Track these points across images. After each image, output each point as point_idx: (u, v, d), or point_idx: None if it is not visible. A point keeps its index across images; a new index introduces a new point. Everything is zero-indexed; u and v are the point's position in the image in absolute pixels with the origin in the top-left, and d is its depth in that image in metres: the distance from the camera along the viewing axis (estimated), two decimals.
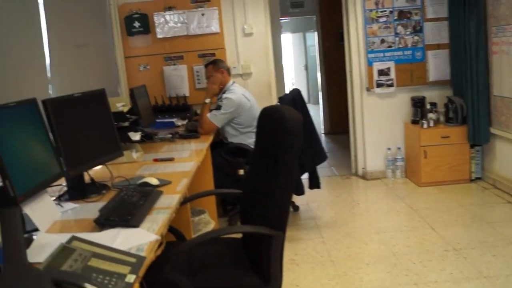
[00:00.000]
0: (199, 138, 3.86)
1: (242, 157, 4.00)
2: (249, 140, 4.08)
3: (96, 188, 2.46)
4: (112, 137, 2.65)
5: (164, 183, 2.49)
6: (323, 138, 8.24)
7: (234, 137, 4.10)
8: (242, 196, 2.53)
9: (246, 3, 4.93)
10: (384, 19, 5.02)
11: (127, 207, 2.07)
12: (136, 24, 4.86)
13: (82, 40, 3.74)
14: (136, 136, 3.21)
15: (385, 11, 5.00)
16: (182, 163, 2.97)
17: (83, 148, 2.40)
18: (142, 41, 4.94)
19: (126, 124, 3.31)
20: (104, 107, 2.64)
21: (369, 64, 5.09)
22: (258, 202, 2.21)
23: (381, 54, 5.07)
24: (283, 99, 3.99)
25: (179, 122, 4.60)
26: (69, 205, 2.27)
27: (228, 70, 4.28)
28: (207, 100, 4.05)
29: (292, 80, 13.46)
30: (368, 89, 5.15)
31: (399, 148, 5.26)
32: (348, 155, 5.75)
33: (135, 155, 3.17)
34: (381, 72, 5.10)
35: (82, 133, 2.41)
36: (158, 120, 4.59)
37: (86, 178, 2.49)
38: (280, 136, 1.98)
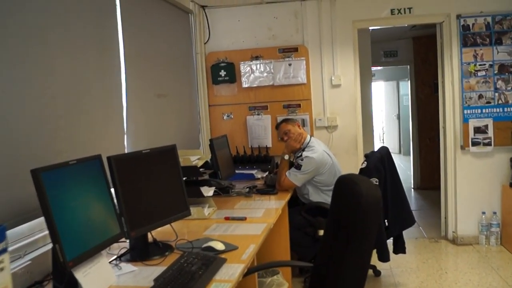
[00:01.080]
0: (276, 194, 3.67)
1: (323, 216, 3.74)
2: (330, 199, 3.81)
3: (159, 249, 2.32)
4: (181, 195, 2.52)
5: (230, 248, 2.30)
6: (412, 193, 7.73)
7: (314, 196, 3.85)
8: (313, 267, 2.29)
9: (335, 53, 4.75)
10: (483, 73, 4.60)
11: (184, 278, 1.90)
12: (222, 72, 4.83)
13: (163, 90, 3.73)
14: (209, 191, 3.08)
15: (484, 64, 4.59)
16: (254, 224, 2.78)
17: (148, 208, 2.29)
18: (227, 90, 4.90)
19: (201, 178, 3.20)
20: (174, 164, 2.53)
21: (465, 120, 4.67)
22: (328, 279, 1.96)
23: (479, 110, 4.64)
24: (370, 157, 3.71)
25: (259, 175, 4.44)
26: (128, 267, 2.15)
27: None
28: (286, 157, 3.86)
29: (383, 129, 12.99)
30: (462, 148, 4.71)
31: (495, 213, 4.72)
32: (438, 215, 5.26)
33: (206, 211, 3.04)
34: (478, 130, 4.65)
35: (148, 192, 2.31)
36: (238, 171, 4.46)
37: (150, 237, 2.38)
38: (354, 213, 1.74)
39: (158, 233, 2.48)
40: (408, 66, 7.82)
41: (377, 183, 3.57)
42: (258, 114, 4.87)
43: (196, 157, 3.15)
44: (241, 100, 4.90)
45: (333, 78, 4.76)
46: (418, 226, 5.67)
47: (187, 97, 4.36)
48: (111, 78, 2.94)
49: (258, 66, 4.81)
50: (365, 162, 3.69)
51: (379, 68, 11.13)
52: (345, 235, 1.77)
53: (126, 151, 3.04)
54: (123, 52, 3.12)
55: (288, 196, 3.61)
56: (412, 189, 7.91)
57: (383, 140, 13.57)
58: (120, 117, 3.02)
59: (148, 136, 3.42)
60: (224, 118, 4.94)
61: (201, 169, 3.18)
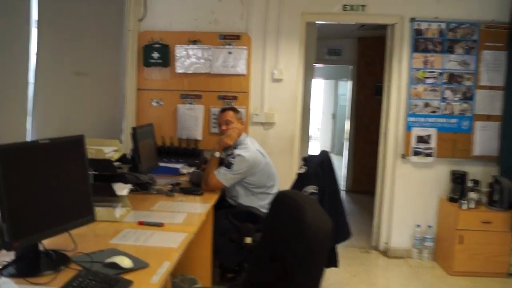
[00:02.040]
0: (202, 195, 3.32)
1: (251, 223, 3.42)
2: (261, 203, 3.51)
3: (52, 262, 1.90)
4: (85, 197, 2.11)
5: (138, 266, 1.92)
6: (343, 195, 7.61)
7: (244, 198, 3.53)
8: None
9: (280, 45, 4.44)
10: (431, 80, 4.45)
11: None
12: (155, 54, 4.39)
13: (83, 67, 3.26)
14: (123, 189, 2.67)
15: (433, 72, 4.44)
16: (171, 233, 2.41)
17: (40, 212, 1.86)
18: (159, 74, 4.47)
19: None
20: (80, 158, 2.11)
21: (408, 128, 4.51)
22: None
23: (423, 119, 4.49)
24: (310, 161, 3.40)
25: (184, 170, 4.06)
26: (7, 285, 1.72)
27: None
28: (217, 154, 3.51)
29: (318, 127, 12.92)
30: (403, 156, 4.55)
31: (430, 227, 4.61)
32: (369, 221, 5.12)
33: (118, 212, 2.63)
34: (420, 139, 4.51)
35: (42, 192, 1.88)
36: (162, 164, 4.07)
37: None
38: (296, 245, 1.41)
39: (54, 239, 2.05)
40: (351, 66, 7.66)
41: (316, 191, 3.28)
42: (190, 103, 4.48)
43: (111, 149, 2.73)
44: (173, 87, 4.49)
45: (275, 71, 4.45)
46: None
47: (113, 78, 3.90)
48: (14, 46, 2.46)
49: (195, 51, 4.41)
50: (304, 167, 3.39)
51: (319, 65, 11.00)
52: (284, 266, 1.44)
53: (29, 138, 2.58)
54: (36, 17, 2.64)
55: (214, 199, 3.27)
56: (344, 191, 7.79)
57: (317, 137, 13.51)
58: (24, 96, 2.55)
59: (60, 121, 2.97)
60: (153, 104, 4.51)
61: (117, 163, 2.76)
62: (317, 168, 3.37)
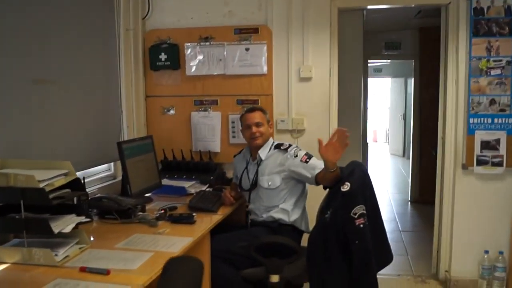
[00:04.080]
0: (193, 224, 2.67)
1: (278, 257, 2.74)
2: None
3: None
4: None
5: None
6: (408, 207, 6.69)
7: (296, 210, 3.05)
8: None
9: (307, 38, 3.71)
10: (497, 71, 3.53)
11: None
12: (163, 56, 3.82)
13: (48, 73, 2.74)
14: (66, 225, 2.09)
15: (500, 60, 3.52)
16: (113, 286, 1.80)
17: None
18: (169, 78, 3.90)
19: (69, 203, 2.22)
20: None
21: (470, 132, 3.61)
22: None
23: (489, 120, 3.58)
24: (352, 176, 2.62)
25: (192, 189, 3.44)
26: None
27: None
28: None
29: (387, 130, 11.95)
30: (464, 167, 3.66)
31: (501, 253, 3.66)
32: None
33: (64, 253, 2.06)
34: (486, 145, 3.59)
35: None
36: (166, 183, 3.49)
37: None
38: None
39: None
40: (412, 61, 6.75)
41: (364, 211, 2.54)
42: (205, 110, 3.86)
43: (57, 173, 2.16)
44: (185, 92, 3.89)
45: (301, 69, 3.73)
46: (406, 254, 4.65)
47: (98, 85, 3.33)
48: None
49: (207, 49, 3.79)
50: (347, 183, 2.62)
51: (385, 62, 10.12)
52: None
53: None
54: None
55: (205, 229, 2.61)
56: (409, 202, 6.87)
57: (388, 141, 12.57)
58: None
59: (13, 140, 2.46)
60: (165, 113, 3.94)
61: (65, 190, 2.19)
62: (360, 183, 2.64)
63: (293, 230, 2.93)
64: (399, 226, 5.70)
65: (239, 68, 3.75)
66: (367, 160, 7.28)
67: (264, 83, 3.76)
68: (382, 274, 3.21)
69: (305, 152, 3.00)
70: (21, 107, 2.55)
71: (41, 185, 2.02)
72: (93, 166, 3.23)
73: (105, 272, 1.92)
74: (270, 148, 3.11)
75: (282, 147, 3.08)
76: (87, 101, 3.16)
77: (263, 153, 3.10)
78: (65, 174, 2.20)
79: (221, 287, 2.73)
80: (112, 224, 2.66)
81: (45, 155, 2.68)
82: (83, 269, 1.95)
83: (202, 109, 3.86)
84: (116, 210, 2.70)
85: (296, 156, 2.98)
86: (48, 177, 2.08)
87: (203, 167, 3.72)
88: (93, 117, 3.23)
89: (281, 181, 3.01)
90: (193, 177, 3.65)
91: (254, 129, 3.06)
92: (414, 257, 4.55)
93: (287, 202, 3.00)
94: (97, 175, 3.33)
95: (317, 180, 2.87)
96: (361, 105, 5.31)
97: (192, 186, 3.48)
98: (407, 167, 7.76)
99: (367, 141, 7.62)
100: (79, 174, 2.97)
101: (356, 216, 2.48)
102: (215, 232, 2.78)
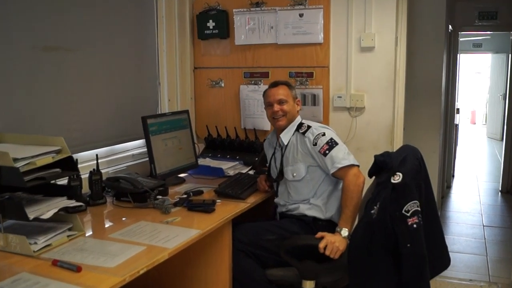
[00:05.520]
0: (211, 213, 2.35)
1: (313, 259, 2.37)
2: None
3: None
4: None
5: None
6: (499, 198, 5.94)
7: (333, 201, 2.57)
8: None
9: (370, 1, 3.21)
10: None
11: None
12: (210, 24, 3.51)
13: (62, 40, 2.52)
14: (47, 211, 1.85)
15: None
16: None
17: None
18: (217, 48, 3.58)
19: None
20: None
21: None
22: None
23: None
24: (404, 166, 2.16)
25: (231, 170, 3.13)
26: None
27: None
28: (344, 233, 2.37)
29: (485, 112, 10.90)
30: None
31: None
32: None
33: (42, 241, 1.84)
34: None
35: None
36: (204, 162, 3.22)
37: None
38: None
39: None
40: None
41: (418, 208, 2.10)
42: (255, 84, 3.51)
43: (45, 150, 1.93)
44: (234, 63, 3.56)
45: (362, 37, 3.25)
46: (485, 254, 4.04)
47: (129, 55, 3.09)
48: None
49: (258, 15, 3.42)
50: (399, 174, 2.19)
51: (486, 36, 9.16)
52: None
53: None
54: None
55: (219, 221, 2.27)
56: (499, 193, 6.11)
57: (485, 122, 11.52)
58: None
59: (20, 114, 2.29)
60: (213, 86, 3.64)
61: (54, 170, 1.95)
62: (416, 175, 2.18)
63: (331, 226, 2.47)
64: (483, 220, 5.03)
65: (292, 36, 3.34)
66: (454, 144, 6.59)
67: (319, 53, 3.32)
68: (448, 278, 2.77)
69: (327, 140, 2.50)
70: (27, 77, 2.37)
71: (21, 164, 1.81)
72: (120, 142, 3.03)
73: (75, 269, 1.68)
74: (295, 131, 2.64)
75: (301, 130, 2.61)
76: (113, 71, 2.94)
77: (285, 137, 2.65)
78: (56, 152, 1.97)
79: (246, 286, 2.40)
80: (125, 208, 2.45)
81: (60, 130, 2.51)
82: (55, 263, 1.73)
83: (252, 82, 3.51)
84: (131, 192, 2.46)
85: (315, 144, 2.51)
86: (30, 155, 1.87)
87: (249, 146, 3.40)
88: (121, 89, 3.01)
89: (306, 171, 2.56)
90: (237, 157, 3.35)
91: (277, 107, 2.62)
92: (495, 259, 3.93)
93: (318, 195, 2.56)
94: (129, 152, 3.09)
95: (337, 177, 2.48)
96: (442, 83, 4.67)
97: (232, 168, 3.18)
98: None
99: (456, 123, 6.91)
100: (103, 150, 2.83)
101: (409, 214, 2.04)
102: (240, 222, 2.46)
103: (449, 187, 6.60)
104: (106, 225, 2.31)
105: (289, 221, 2.56)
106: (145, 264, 1.75)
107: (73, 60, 2.61)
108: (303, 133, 2.57)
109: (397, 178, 2.13)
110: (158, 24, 3.29)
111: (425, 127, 4.66)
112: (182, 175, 3.08)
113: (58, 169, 1.96)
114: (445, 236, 2.44)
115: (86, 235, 2.04)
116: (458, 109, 7.21)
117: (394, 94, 3.27)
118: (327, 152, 2.46)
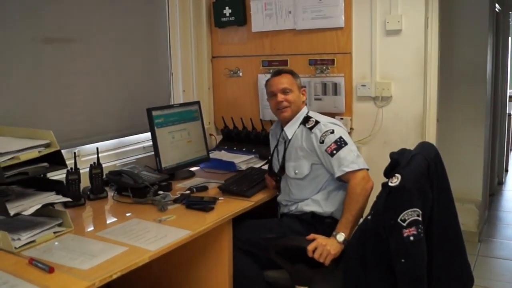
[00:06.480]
0: (209, 211, 2.19)
1: (305, 263, 2.16)
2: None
3: None
4: None
5: None
6: None
7: (332, 200, 2.35)
8: None
9: None
10: None
11: None
12: (227, 10, 3.33)
13: (65, 30, 2.43)
14: (31, 207, 1.76)
15: None
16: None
17: None
18: (234, 36, 3.42)
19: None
20: None
21: None
22: None
23: None
24: (406, 167, 1.89)
25: (244, 165, 2.96)
26: None
27: None
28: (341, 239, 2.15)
29: None
30: None
31: None
32: None
33: (26, 238, 1.75)
34: None
35: None
36: (216, 156, 3.06)
37: None
38: None
39: None
40: None
41: (419, 218, 1.82)
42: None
43: (32, 144, 1.84)
44: (252, 51, 3.38)
45: (387, 20, 2.97)
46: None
47: (137, 45, 2.96)
48: None
49: (274, 0, 3.21)
50: (397, 176, 1.89)
51: None
52: None
53: None
54: None
55: (215, 222, 2.10)
56: None
57: None
58: None
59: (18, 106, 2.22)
60: (231, 75, 3.47)
61: (42, 164, 1.86)
62: (422, 178, 1.89)
63: (334, 223, 2.23)
64: None
65: (311, 21, 3.11)
66: (507, 135, 6.14)
67: (341, 38, 3.08)
68: None
69: (336, 138, 2.27)
70: (32, 69, 2.31)
71: (4, 159, 1.74)
72: (130, 134, 2.92)
73: (47, 270, 1.57)
74: (300, 124, 2.43)
75: (307, 124, 2.39)
76: (121, 62, 2.83)
77: (290, 130, 2.44)
78: (44, 146, 1.87)
79: (242, 286, 2.23)
80: (124, 204, 2.35)
81: (65, 122, 2.46)
82: (30, 261, 1.64)
83: (270, 71, 3.30)
84: (132, 187, 2.34)
85: (322, 142, 2.29)
86: (15, 149, 1.77)
87: (265, 139, 3.20)
88: (130, 80, 2.89)
89: (310, 169, 2.35)
90: (253, 150, 3.18)
91: (280, 97, 2.41)
92: None
93: (320, 193, 2.35)
94: (139, 144, 2.98)
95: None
96: (487, 69, 4.29)
97: (245, 162, 3.01)
98: None
99: (509, 112, 6.45)
100: (113, 142, 2.74)
101: (405, 224, 1.75)
102: (241, 220, 2.29)
103: (501, 183, 6.14)
104: (98, 222, 2.20)
105: (290, 219, 2.36)
106: (120, 268, 1.62)
107: (79, 51, 2.54)
108: (310, 129, 2.36)
109: (395, 181, 1.81)
110: (170, 13, 3.16)
111: (467, 118, 4.30)
112: (193, 168, 2.95)
113: (45, 164, 1.87)
114: (493, 239, 2.15)
115: (77, 231, 1.95)
116: (511, 97, 6.71)
117: (425, 82, 2.98)
118: (334, 152, 2.24)
